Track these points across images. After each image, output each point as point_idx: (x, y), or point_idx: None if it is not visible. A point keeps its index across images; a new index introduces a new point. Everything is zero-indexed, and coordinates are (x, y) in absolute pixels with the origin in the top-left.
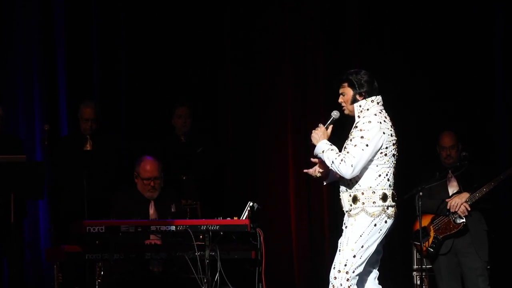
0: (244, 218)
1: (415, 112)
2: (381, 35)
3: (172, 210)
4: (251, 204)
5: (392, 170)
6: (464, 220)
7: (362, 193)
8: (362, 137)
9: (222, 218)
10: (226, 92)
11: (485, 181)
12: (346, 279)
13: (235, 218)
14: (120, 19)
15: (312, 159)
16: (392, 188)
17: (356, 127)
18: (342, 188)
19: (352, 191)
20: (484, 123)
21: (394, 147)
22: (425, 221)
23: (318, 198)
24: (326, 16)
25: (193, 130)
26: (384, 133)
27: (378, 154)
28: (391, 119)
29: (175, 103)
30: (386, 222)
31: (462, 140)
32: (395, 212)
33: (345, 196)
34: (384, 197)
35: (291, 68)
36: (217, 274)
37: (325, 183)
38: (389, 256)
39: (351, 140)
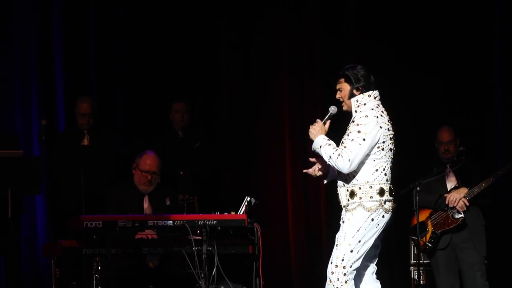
0: (241, 213)
1: (412, 107)
2: (380, 32)
3: (167, 203)
4: (248, 199)
5: (389, 164)
6: (462, 215)
7: (359, 188)
8: (359, 131)
9: (220, 213)
10: (224, 88)
11: (483, 176)
12: (343, 273)
13: (233, 213)
14: (117, 14)
15: (311, 159)
16: (389, 182)
17: (353, 121)
18: (340, 183)
19: (350, 186)
20: (481, 119)
21: (391, 141)
22: (423, 216)
23: (315, 193)
24: (324, 13)
25: (191, 125)
26: (381, 127)
27: (375, 149)
28: (388, 114)
29: (172, 98)
30: (383, 216)
31: (460, 135)
32: (392, 207)
33: (342, 191)
34: (381, 192)
35: (288, 63)
36: (215, 269)
37: (325, 182)
38: (387, 251)
39: (348, 134)
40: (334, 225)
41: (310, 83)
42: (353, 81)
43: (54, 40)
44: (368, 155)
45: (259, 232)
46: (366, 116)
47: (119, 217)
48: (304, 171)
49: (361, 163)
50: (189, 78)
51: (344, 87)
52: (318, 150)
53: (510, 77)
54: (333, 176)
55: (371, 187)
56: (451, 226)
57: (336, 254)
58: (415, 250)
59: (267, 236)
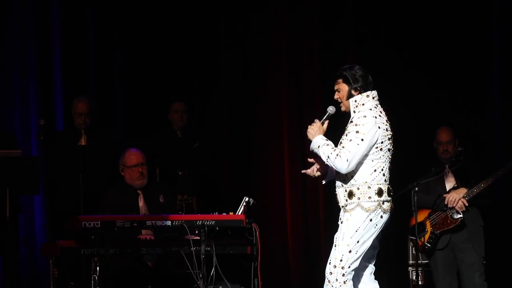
0: (239, 213)
1: (411, 107)
2: (378, 30)
3: (161, 200)
4: (246, 199)
5: (387, 165)
6: (461, 215)
7: (358, 188)
8: (357, 131)
9: (218, 213)
10: (222, 88)
11: (482, 176)
12: (341, 274)
13: (231, 213)
14: (116, 14)
15: (309, 159)
16: (387, 183)
17: (352, 122)
18: (338, 183)
19: (348, 186)
20: (480, 119)
21: (390, 141)
22: (422, 216)
23: (313, 193)
24: (322, 11)
25: (190, 125)
26: (379, 127)
27: (374, 149)
28: (387, 114)
29: (171, 98)
30: (381, 217)
31: (458, 136)
32: (391, 207)
33: (340, 191)
34: (379, 192)
35: (286, 63)
36: (213, 269)
37: (324, 182)
38: (385, 251)
39: (346, 135)
40: (332, 225)
41: (309, 83)
42: (351, 81)
43: (52, 40)
44: (366, 155)
45: (257, 233)
46: (365, 116)
47: (118, 217)
48: (303, 171)
49: (360, 163)
50: (188, 78)
51: (342, 88)
52: (316, 150)
53: (509, 77)
54: (331, 176)
55: (369, 187)
56: (450, 227)
57: (335, 255)
58: (413, 250)
59: (266, 236)
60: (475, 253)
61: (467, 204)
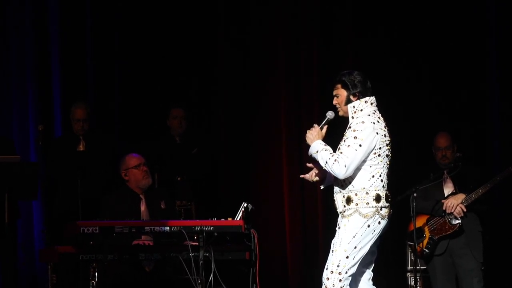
0: (238, 219)
1: (409, 113)
2: (378, 34)
3: (162, 206)
4: (245, 205)
5: (385, 170)
6: (459, 221)
7: (356, 194)
8: (355, 137)
9: (216, 219)
10: (220, 93)
11: (481, 182)
12: (338, 279)
13: (229, 219)
14: (114, 19)
15: (308, 164)
16: (385, 188)
17: (350, 127)
18: (336, 189)
19: (346, 192)
20: (478, 125)
21: (388, 147)
22: (420, 221)
23: (312, 199)
24: (321, 13)
25: (188, 131)
26: (377, 133)
27: (372, 155)
28: (385, 120)
29: (170, 103)
30: (379, 223)
31: (457, 141)
32: (388, 213)
33: (338, 197)
34: (377, 198)
35: (284, 67)
36: (211, 275)
37: (322, 187)
38: (384, 257)
39: (344, 140)
40: (331, 231)
41: (307, 87)
42: (349, 87)
43: (51, 46)
44: (364, 161)
45: (256, 238)
46: (363, 122)
47: (116, 223)
48: (301, 176)
49: (358, 169)
50: (187, 84)
51: (341, 93)
52: (314, 155)
53: (507, 83)
54: (330, 181)
55: (367, 193)
56: (448, 232)
57: (332, 260)
58: (412, 256)
59: (264, 242)
60: (474, 258)
61: (465, 210)
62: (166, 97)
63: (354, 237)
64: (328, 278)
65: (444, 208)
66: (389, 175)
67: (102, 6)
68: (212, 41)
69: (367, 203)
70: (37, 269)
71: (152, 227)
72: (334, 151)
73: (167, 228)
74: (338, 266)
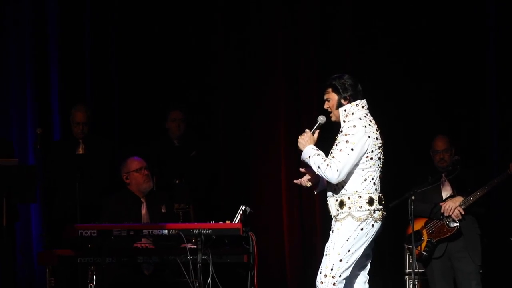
0: (236, 222)
1: (408, 116)
2: (376, 36)
3: (163, 210)
4: (243, 208)
5: (378, 173)
6: (457, 224)
7: (349, 198)
8: (347, 141)
9: (215, 222)
10: (218, 95)
11: (479, 185)
12: (332, 283)
13: (228, 222)
14: (112, 22)
15: (301, 169)
16: (378, 191)
17: (342, 131)
18: (329, 193)
19: (339, 196)
20: (476, 128)
21: (380, 150)
22: (419, 224)
23: (310, 202)
24: (320, 14)
25: (187, 134)
26: (369, 137)
27: (364, 158)
28: (377, 123)
29: (168, 106)
30: (373, 226)
31: (455, 144)
32: (382, 216)
33: (332, 201)
34: (370, 201)
35: (283, 68)
36: (209, 278)
37: (316, 192)
38: (382, 260)
39: (336, 145)
40: (329, 234)
41: (306, 90)
42: (340, 91)
43: (49, 49)
44: (356, 164)
45: (254, 241)
46: (354, 126)
47: (114, 226)
48: (295, 181)
49: (350, 173)
50: (185, 86)
51: (332, 97)
52: (307, 160)
53: (505, 85)
54: (323, 186)
55: (360, 196)
56: (447, 235)
57: (325, 264)
58: (410, 259)
59: (262, 245)
60: (472, 261)
61: (463, 213)
62: (164, 100)
63: (347, 240)
64: (322, 282)
65: (442, 211)
66: (382, 177)
67: (101, 9)
68: (211, 43)
69: (360, 207)
70: (36, 272)
71: (150, 230)
72: (327, 156)
73: (166, 231)
74: (331, 269)
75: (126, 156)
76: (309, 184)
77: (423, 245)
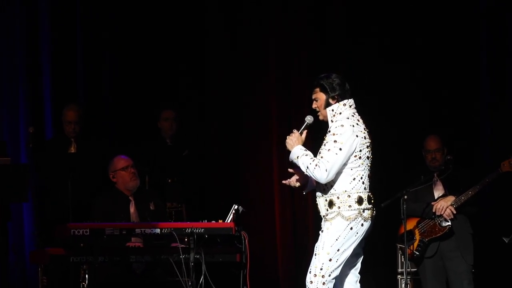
0: (229, 221)
1: (400, 115)
2: (369, 34)
3: (151, 208)
4: (236, 207)
5: (367, 172)
6: (449, 223)
7: (338, 197)
8: (335, 141)
9: (207, 221)
10: (210, 94)
11: (471, 184)
12: (322, 282)
13: (220, 221)
14: (104, 21)
15: (289, 170)
16: (367, 190)
17: (330, 131)
18: (318, 193)
19: (328, 196)
20: (468, 127)
21: (368, 149)
22: (411, 224)
23: (302, 202)
24: (313, 13)
25: (179, 133)
26: (357, 136)
27: (352, 158)
28: (364, 122)
29: (161, 105)
30: (362, 225)
31: (447, 144)
32: (371, 215)
33: (321, 201)
34: (359, 201)
35: (275, 68)
36: (202, 277)
37: (304, 193)
38: (374, 259)
39: (325, 144)
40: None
41: (298, 88)
42: (328, 90)
43: (41, 48)
44: (345, 164)
45: (246, 240)
46: (342, 125)
47: (107, 225)
48: (283, 182)
49: (339, 172)
50: (177, 85)
51: (320, 97)
52: (295, 161)
53: (497, 85)
54: (312, 186)
55: (349, 196)
56: (438, 234)
57: (315, 263)
58: (402, 258)
59: (255, 244)
60: (464, 261)
61: (455, 212)
62: (157, 99)
63: (337, 240)
64: (311, 282)
65: (434, 210)
66: (372, 176)
67: (92, 8)
68: (202, 41)
69: (349, 206)
70: (28, 271)
71: (142, 229)
72: (315, 156)
73: (158, 230)
74: (321, 269)
75: (115, 155)
76: (298, 184)
77: (415, 244)
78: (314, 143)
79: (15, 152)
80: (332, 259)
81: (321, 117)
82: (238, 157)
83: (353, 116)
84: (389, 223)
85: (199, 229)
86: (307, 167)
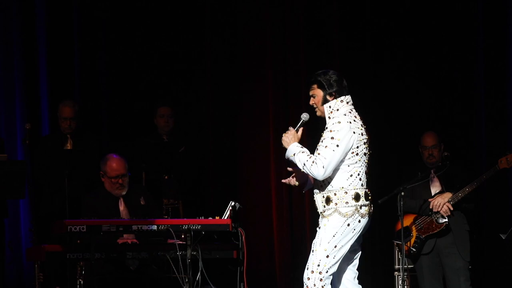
0: (226, 217)
1: (396, 112)
2: (363, 33)
3: (142, 203)
4: (232, 203)
5: (364, 169)
6: (446, 220)
7: (335, 194)
8: (332, 138)
9: (204, 218)
10: (207, 91)
11: (467, 181)
12: (319, 279)
13: (217, 217)
14: (101, 18)
15: (289, 169)
16: (364, 187)
17: (327, 128)
18: (315, 189)
19: (325, 192)
20: (465, 124)
21: (365, 146)
22: (408, 221)
23: (299, 198)
24: (309, 10)
25: (176, 129)
26: (354, 132)
27: (349, 154)
28: (362, 118)
29: (157, 102)
30: (359, 221)
31: (444, 140)
32: (369, 211)
33: (318, 197)
34: (356, 197)
35: (272, 66)
36: (199, 274)
37: (304, 191)
38: (371, 256)
39: (322, 141)
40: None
41: (295, 86)
42: (325, 86)
43: (38, 44)
44: (342, 161)
45: (243, 237)
46: (339, 122)
47: (103, 222)
48: (283, 181)
49: (336, 169)
50: (174, 82)
51: (317, 93)
52: (292, 158)
53: (493, 82)
54: (311, 184)
55: (346, 192)
56: (435, 231)
57: (312, 260)
58: (399, 255)
59: (252, 241)
60: (461, 257)
61: (451, 209)
62: (153, 95)
63: (334, 236)
64: (309, 278)
65: (430, 207)
66: (369, 173)
67: (89, 5)
68: (199, 38)
69: (347, 202)
70: (24, 267)
71: (139, 226)
72: (312, 153)
73: (154, 227)
74: (318, 265)
75: (111, 152)
76: (297, 183)
77: (412, 241)
78: (312, 141)
79: (11, 148)
80: (329, 255)
81: (318, 114)
82: (235, 154)
83: (350, 112)
84: (386, 220)
85: (196, 226)
86: (304, 164)
